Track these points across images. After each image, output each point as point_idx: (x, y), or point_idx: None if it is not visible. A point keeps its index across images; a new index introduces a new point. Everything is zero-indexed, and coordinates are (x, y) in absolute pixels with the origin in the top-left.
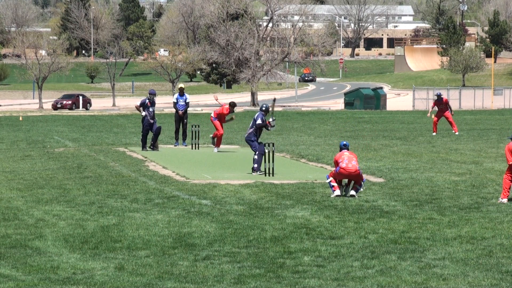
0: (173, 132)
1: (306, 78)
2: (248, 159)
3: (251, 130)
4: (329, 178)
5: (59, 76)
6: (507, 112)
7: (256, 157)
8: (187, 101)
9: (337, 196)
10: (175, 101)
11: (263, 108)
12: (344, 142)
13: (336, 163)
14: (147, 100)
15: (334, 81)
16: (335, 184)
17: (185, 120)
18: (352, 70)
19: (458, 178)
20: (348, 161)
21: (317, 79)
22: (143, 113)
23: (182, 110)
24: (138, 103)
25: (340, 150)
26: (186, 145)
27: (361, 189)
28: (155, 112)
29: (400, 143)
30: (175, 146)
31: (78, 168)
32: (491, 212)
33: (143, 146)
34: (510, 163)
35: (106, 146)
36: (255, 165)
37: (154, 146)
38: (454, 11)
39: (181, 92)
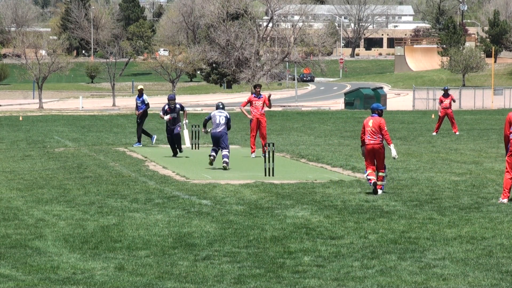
0: (144, 131)
1: (305, 79)
2: (248, 159)
3: (224, 126)
4: (366, 171)
5: (59, 76)
6: (507, 112)
7: (227, 152)
8: (145, 102)
9: (375, 189)
10: (136, 103)
11: (221, 106)
12: (376, 105)
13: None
14: (167, 106)
15: (334, 81)
16: (372, 177)
17: (138, 121)
18: (352, 70)
19: (458, 178)
20: (371, 134)
21: (317, 79)
22: (166, 117)
23: (141, 111)
24: (161, 112)
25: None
26: (140, 145)
27: (385, 180)
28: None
29: (400, 143)
30: (138, 146)
31: (78, 168)
32: (491, 212)
33: (174, 154)
34: (509, 134)
35: (106, 146)
36: (227, 160)
37: (179, 149)
38: (454, 11)
39: (140, 94)
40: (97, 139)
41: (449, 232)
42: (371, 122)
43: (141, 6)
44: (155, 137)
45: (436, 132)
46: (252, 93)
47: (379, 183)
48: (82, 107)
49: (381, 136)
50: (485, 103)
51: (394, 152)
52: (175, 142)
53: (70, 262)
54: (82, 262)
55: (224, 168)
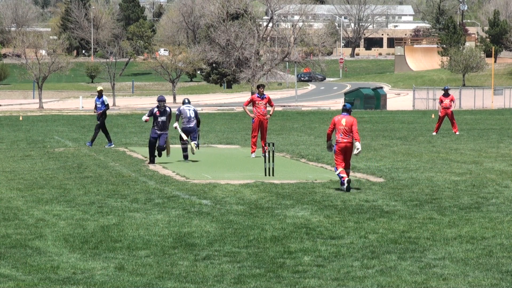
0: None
1: (302, 78)
2: (248, 159)
3: (195, 120)
4: (337, 169)
5: (59, 76)
6: (507, 112)
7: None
8: (105, 103)
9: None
10: (95, 103)
11: (187, 101)
12: (347, 104)
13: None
14: (156, 109)
15: (334, 81)
16: (344, 175)
17: (98, 121)
18: (352, 70)
19: (458, 178)
20: (344, 133)
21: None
22: (144, 118)
23: (100, 111)
24: (146, 115)
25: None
26: (111, 146)
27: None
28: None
29: (400, 143)
30: (110, 146)
31: (78, 168)
32: (491, 212)
33: (151, 160)
34: None
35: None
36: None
37: (156, 155)
38: (454, 11)
39: (100, 94)
40: (97, 139)
41: (449, 232)
42: (344, 121)
43: (141, 6)
44: (112, 145)
45: (436, 132)
46: (252, 93)
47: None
48: (82, 107)
49: (351, 135)
50: (485, 103)
51: (358, 145)
52: (157, 149)
53: (70, 262)
54: (82, 262)
55: (192, 151)
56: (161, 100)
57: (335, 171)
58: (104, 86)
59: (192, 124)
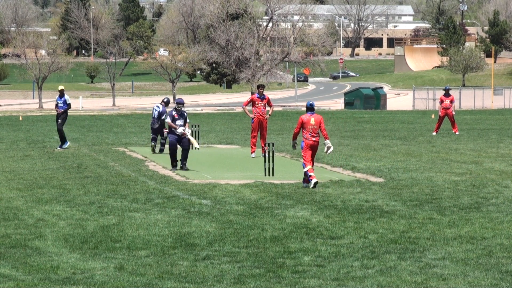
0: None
1: (298, 78)
2: (248, 159)
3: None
4: (305, 166)
5: (59, 76)
6: (507, 112)
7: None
8: (67, 102)
9: (315, 184)
10: (56, 102)
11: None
12: (311, 102)
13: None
14: (174, 112)
15: (334, 81)
16: (312, 174)
17: (59, 121)
18: (352, 70)
19: (458, 178)
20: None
21: (316, 79)
22: (180, 131)
23: (61, 110)
24: (169, 119)
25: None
26: (63, 148)
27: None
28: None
29: (400, 143)
30: (62, 148)
31: (78, 168)
32: (491, 212)
33: (173, 165)
34: None
35: (106, 146)
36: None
37: (183, 165)
38: (454, 11)
39: (61, 94)
40: (97, 139)
41: (449, 232)
42: (313, 120)
43: (141, 6)
44: (68, 143)
45: (436, 132)
46: (252, 93)
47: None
48: (82, 107)
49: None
50: (485, 103)
51: (329, 144)
52: (182, 152)
53: (70, 262)
54: (82, 262)
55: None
56: (180, 103)
57: (304, 168)
58: (104, 86)
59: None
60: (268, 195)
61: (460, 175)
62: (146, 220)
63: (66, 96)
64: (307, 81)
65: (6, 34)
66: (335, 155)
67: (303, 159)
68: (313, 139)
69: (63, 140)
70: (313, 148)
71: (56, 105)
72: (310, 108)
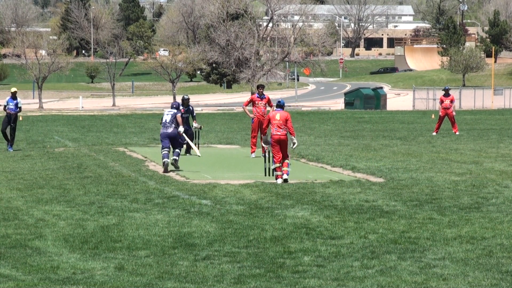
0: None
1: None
2: (248, 159)
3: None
4: (274, 163)
5: (59, 76)
6: (507, 112)
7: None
8: (19, 105)
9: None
10: (6, 104)
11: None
12: (280, 100)
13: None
14: (181, 107)
15: (334, 81)
16: (279, 173)
17: (12, 124)
18: (352, 70)
19: (458, 178)
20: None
21: (316, 79)
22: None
23: (13, 112)
24: (180, 114)
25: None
26: (11, 150)
27: (289, 167)
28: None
29: (400, 143)
30: (9, 150)
31: (78, 168)
32: (491, 212)
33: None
34: None
35: (106, 146)
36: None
37: (187, 151)
38: (454, 11)
39: (13, 96)
40: (97, 139)
41: (449, 232)
42: (278, 115)
43: (141, 6)
44: (11, 149)
45: (436, 132)
46: (252, 93)
47: (284, 169)
48: (82, 107)
49: (285, 128)
50: (485, 103)
51: (295, 140)
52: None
53: (70, 262)
54: (82, 262)
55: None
56: (186, 99)
57: (272, 165)
58: (104, 86)
59: (170, 129)
60: (268, 195)
61: (460, 175)
62: (146, 220)
63: (19, 99)
64: (298, 80)
65: (6, 34)
66: (335, 155)
67: (273, 155)
68: (278, 133)
69: (12, 142)
70: (280, 142)
71: (5, 106)
72: (278, 105)
